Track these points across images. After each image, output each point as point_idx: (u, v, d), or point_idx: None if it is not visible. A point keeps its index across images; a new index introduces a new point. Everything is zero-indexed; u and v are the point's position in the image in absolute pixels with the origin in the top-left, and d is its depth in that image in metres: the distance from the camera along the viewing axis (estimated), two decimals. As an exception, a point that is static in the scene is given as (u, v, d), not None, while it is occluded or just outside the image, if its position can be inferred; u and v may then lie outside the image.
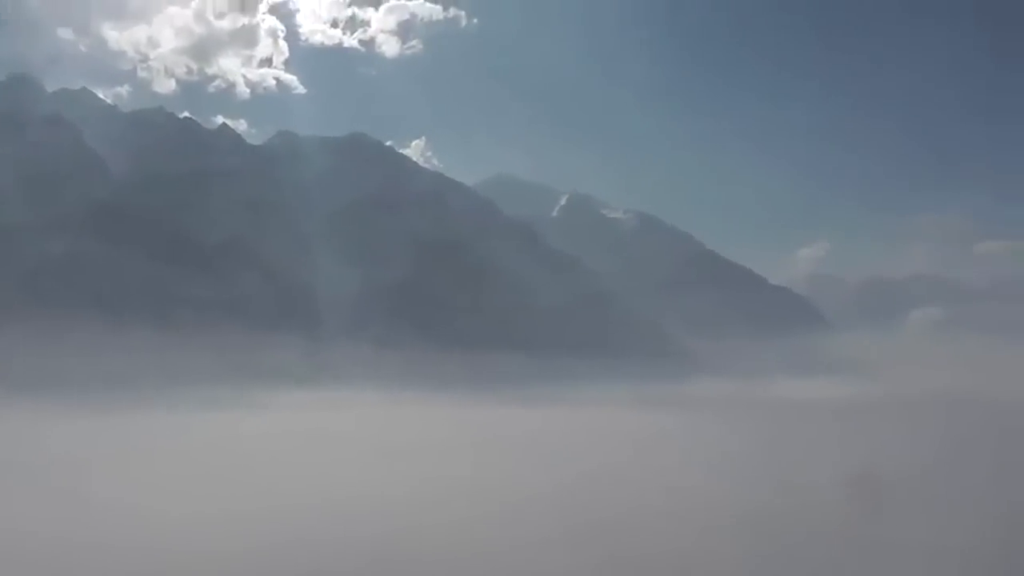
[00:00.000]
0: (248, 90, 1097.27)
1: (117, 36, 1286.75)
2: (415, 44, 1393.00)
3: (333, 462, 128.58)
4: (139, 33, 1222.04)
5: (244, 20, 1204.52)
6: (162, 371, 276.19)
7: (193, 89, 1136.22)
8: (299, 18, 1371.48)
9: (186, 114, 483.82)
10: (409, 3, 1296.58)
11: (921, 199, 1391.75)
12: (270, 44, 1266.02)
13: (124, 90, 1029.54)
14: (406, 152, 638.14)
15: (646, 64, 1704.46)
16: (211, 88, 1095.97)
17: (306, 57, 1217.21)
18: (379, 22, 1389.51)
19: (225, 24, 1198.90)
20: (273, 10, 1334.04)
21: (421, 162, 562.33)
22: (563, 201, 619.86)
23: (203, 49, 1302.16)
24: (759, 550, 79.66)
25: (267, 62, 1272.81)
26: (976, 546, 77.44)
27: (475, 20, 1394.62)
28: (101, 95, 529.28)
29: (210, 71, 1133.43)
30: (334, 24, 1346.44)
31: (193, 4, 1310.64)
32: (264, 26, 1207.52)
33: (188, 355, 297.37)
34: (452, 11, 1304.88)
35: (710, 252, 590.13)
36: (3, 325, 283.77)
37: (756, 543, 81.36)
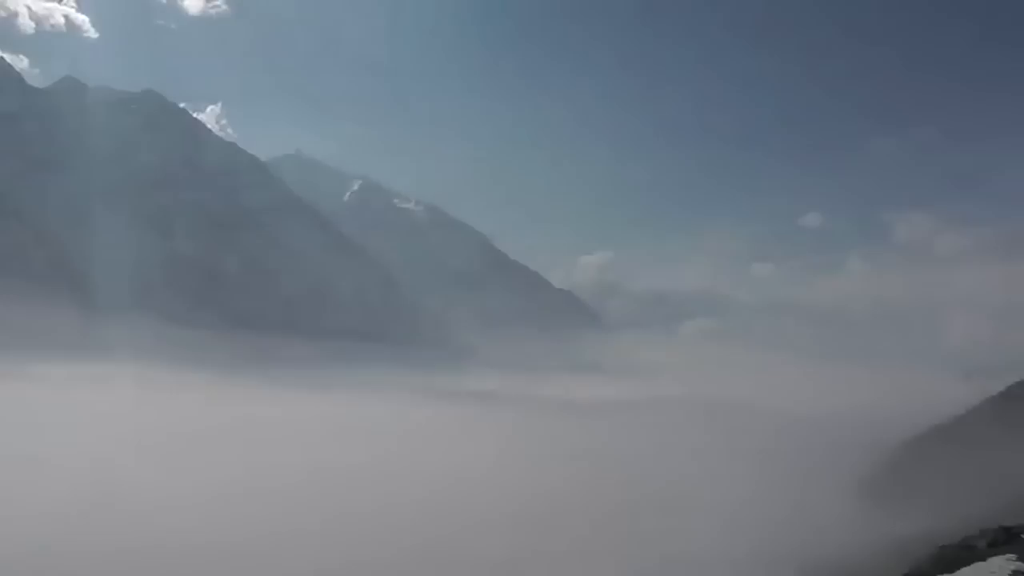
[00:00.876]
0: (32, 24, 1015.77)
1: None
2: (220, 4, 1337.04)
3: (91, 443, 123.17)
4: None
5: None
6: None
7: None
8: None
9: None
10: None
11: (706, 220, 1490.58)
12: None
13: None
14: (200, 117, 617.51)
15: (452, 57, 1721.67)
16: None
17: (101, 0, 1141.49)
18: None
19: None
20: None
21: (216, 130, 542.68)
22: (355, 187, 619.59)
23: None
24: (504, 544, 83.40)
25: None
26: (710, 540, 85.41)
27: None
28: None
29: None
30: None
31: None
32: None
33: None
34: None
35: (497, 250, 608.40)
36: None
37: (502, 538, 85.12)
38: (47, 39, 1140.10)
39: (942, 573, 31.57)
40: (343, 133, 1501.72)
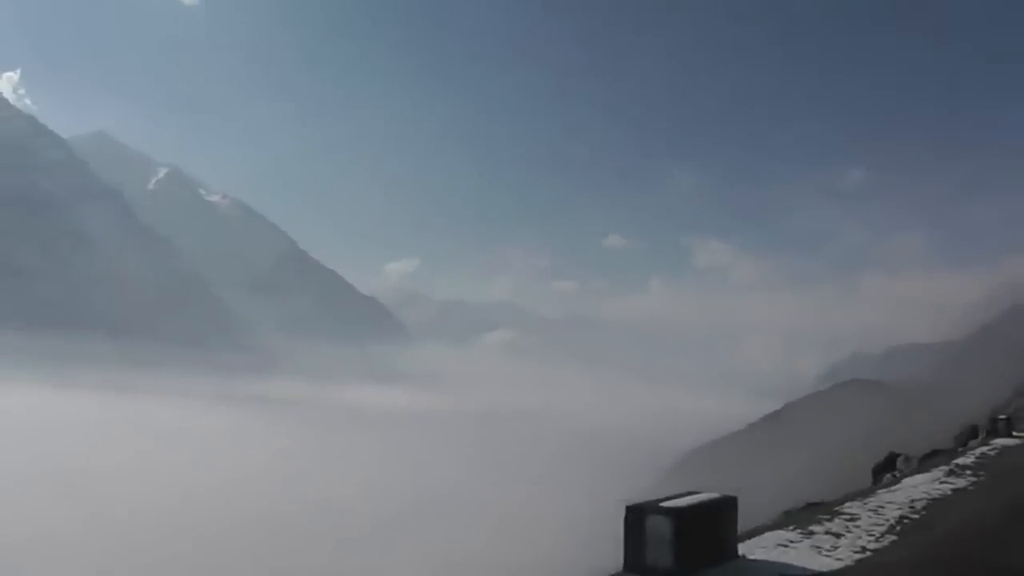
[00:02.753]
0: None
1: None
2: None
3: None
4: None
5: None
6: None
7: None
8: None
9: None
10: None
11: (511, 235, 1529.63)
12: None
13: None
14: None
15: (270, 53, 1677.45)
16: None
17: None
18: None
19: None
20: None
21: (12, 100, 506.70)
22: (162, 174, 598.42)
23: None
24: (255, 553, 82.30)
25: None
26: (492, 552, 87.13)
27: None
28: None
29: None
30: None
31: None
32: None
33: None
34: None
35: (303, 252, 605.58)
36: None
37: (261, 546, 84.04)
38: None
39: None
40: (153, 116, 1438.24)
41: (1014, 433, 23.13)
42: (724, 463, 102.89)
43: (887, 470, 19.95)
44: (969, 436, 25.13)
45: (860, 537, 9.02)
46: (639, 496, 7.73)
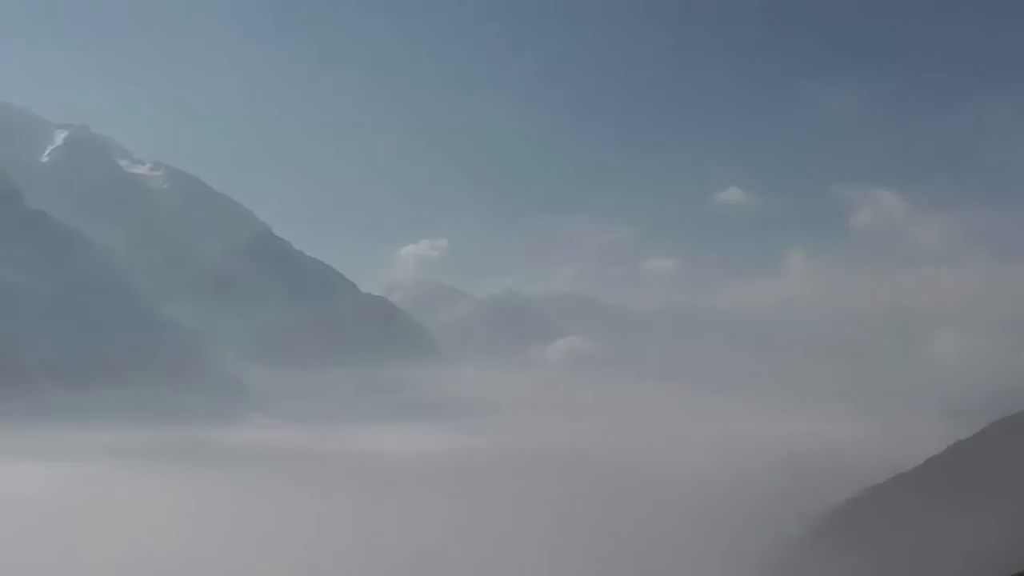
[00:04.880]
0: None
1: None
2: None
3: None
4: None
5: None
6: None
7: None
8: None
9: None
10: None
11: (577, 198, 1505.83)
12: None
13: None
14: None
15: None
16: None
17: None
18: None
19: None
20: None
21: None
22: (60, 140, 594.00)
23: None
24: None
25: None
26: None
27: None
28: None
29: None
30: None
31: None
32: None
33: None
34: None
35: (279, 241, 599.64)
36: None
37: None
38: None
39: None
40: (40, 58, 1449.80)
41: None
42: (893, 516, 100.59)
43: None
44: None
45: None
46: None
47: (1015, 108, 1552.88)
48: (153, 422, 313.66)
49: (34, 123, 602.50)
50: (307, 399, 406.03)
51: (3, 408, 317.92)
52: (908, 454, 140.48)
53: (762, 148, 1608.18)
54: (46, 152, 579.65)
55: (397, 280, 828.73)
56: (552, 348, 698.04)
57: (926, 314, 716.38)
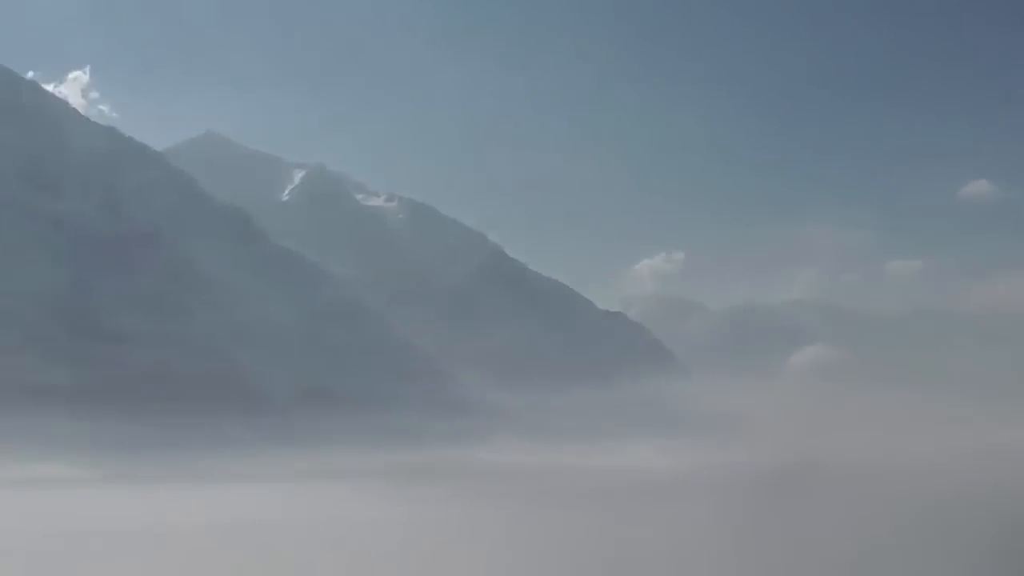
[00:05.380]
0: None
1: None
2: None
3: None
4: None
5: None
6: None
7: None
8: None
9: None
10: None
11: (814, 200, 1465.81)
12: None
13: None
14: (60, 92, 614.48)
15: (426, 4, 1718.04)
16: None
17: None
18: None
19: None
20: None
21: (83, 108, 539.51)
22: (297, 179, 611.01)
23: None
24: None
25: None
26: None
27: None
28: None
29: None
30: None
31: None
32: None
33: None
34: None
35: (513, 261, 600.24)
36: None
37: None
38: None
39: None
40: (275, 106, 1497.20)
41: None
42: None
43: None
44: None
45: None
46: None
47: None
48: (399, 445, 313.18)
49: (274, 165, 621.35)
50: (552, 418, 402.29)
51: (256, 434, 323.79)
52: None
53: (1011, 136, 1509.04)
54: (286, 192, 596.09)
55: (633, 295, 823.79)
56: (795, 358, 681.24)
57: None
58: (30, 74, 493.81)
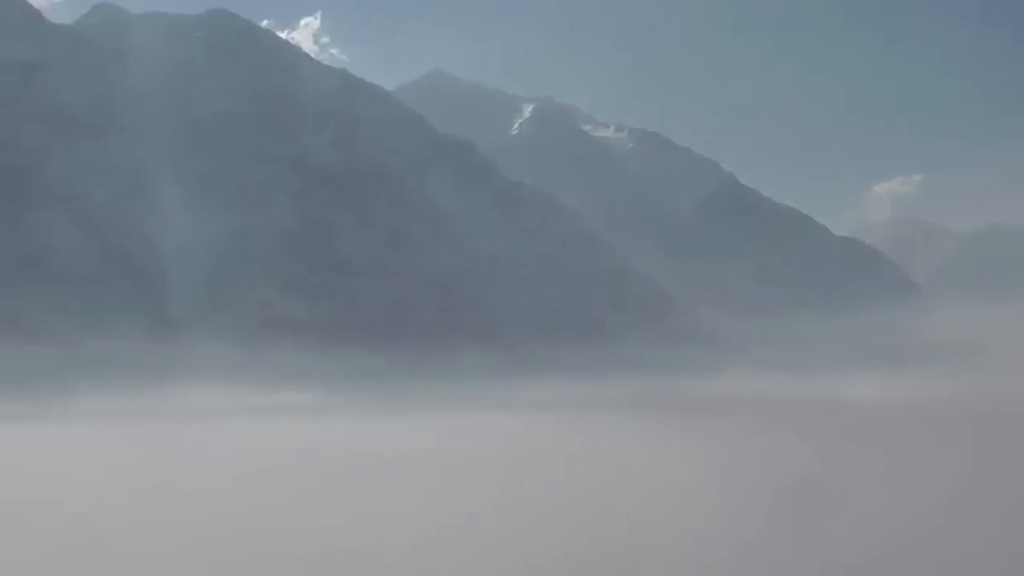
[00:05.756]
0: None
1: None
2: None
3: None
4: None
5: None
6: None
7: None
8: None
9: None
10: None
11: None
12: None
13: None
14: (292, 38, 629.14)
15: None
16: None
17: None
18: None
19: None
20: None
21: (316, 53, 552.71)
22: (527, 112, 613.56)
23: None
24: None
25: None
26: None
27: None
28: None
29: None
30: None
31: None
32: None
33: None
34: None
35: (745, 188, 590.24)
36: None
37: None
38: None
39: None
40: (503, 40, 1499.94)
41: None
42: None
43: None
44: None
45: None
46: None
47: None
48: (628, 375, 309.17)
49: (502, 100, 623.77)
50: (784, 347, 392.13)
51: (488, 364, 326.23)
52: None
53: None
54: (515, 126, 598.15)
55: (870, 220, 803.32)
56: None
57: None
58: (264, 22, 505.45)
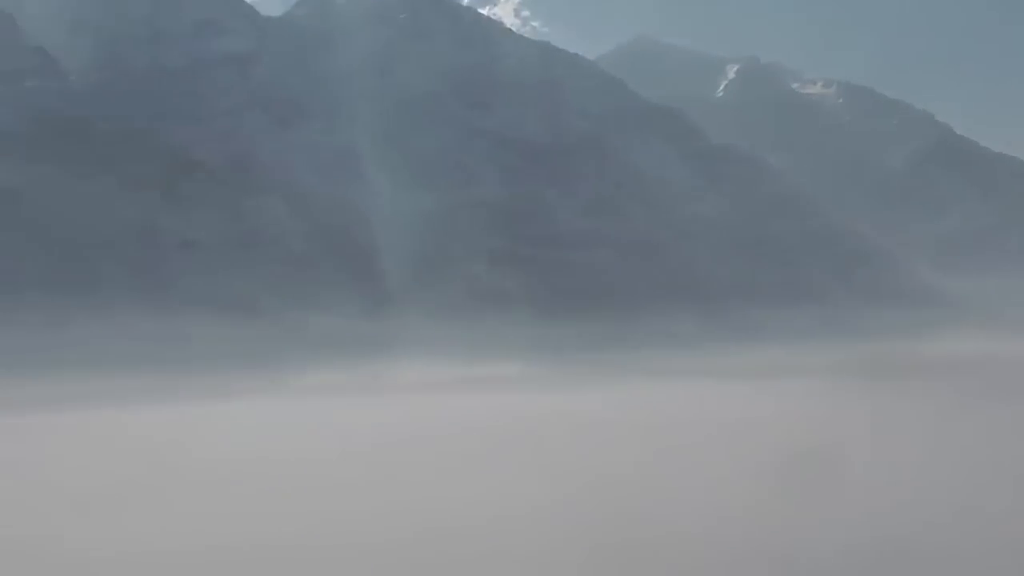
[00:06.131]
0: None
1: None
2: None
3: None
4: None
5: None
6: (160, 345, 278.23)
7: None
8: None
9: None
10: None
11: None
12: None
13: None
14: (494, 13, 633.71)
15: None
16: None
17: None
18: None
19: None
20: None
21: (517, 27, 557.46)
22: (732, 74, 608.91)
23: None
24: None
25: None
26: None
27: None
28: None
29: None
30: None
31: None
32: None
33: (191, 322, 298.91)
34: None
35: (963, 140, 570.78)
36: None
37: None
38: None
39: None
40: (704, 3, 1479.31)
41: None
42: None
43: None
44: None
45: None
46: None
47: None
48: (843, 338, 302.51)
49: (705, 62, 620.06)
50: (1008, 307, 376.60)
51: (700, 329, 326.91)
52: None
53: None
54: (720, 88, 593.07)
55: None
56: None
57: None
58: (465, 0, 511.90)
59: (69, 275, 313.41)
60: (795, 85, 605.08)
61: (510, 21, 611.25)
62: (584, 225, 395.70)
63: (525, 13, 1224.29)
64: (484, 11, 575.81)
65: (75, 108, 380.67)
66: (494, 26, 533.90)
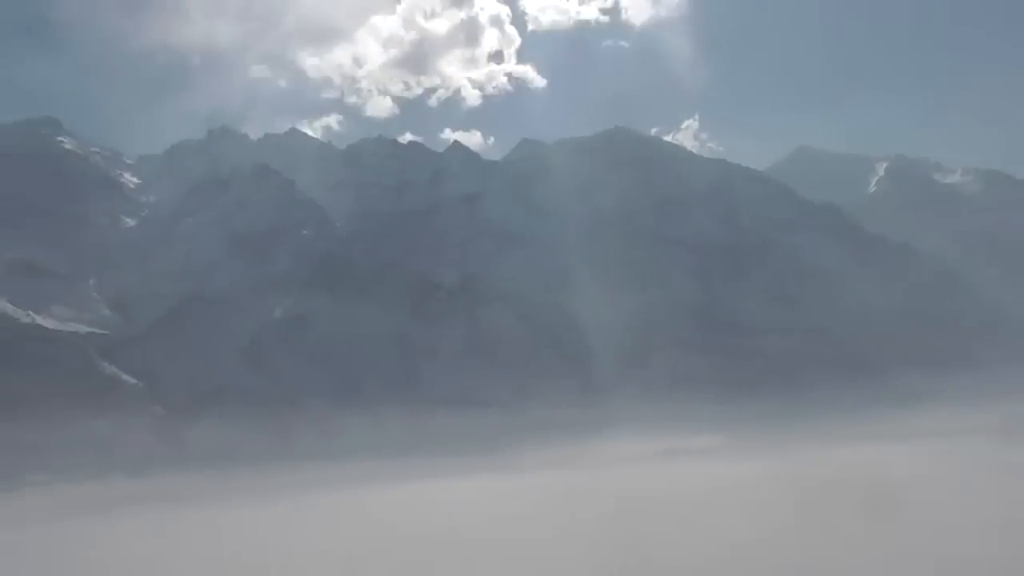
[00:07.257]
0: (477, 94, 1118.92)
1: (318, 62, 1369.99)
2: (669, 3, 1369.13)
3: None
4: (341, 54, 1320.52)
5: (461, 14, 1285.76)
6: (412, 435, 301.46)
7: (413, 106, 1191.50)
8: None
9: (409, 136, 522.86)
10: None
11: None
12: (495, 35, 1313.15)
13: (334, 121, 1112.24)
14: (676, 139, 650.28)
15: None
16: (433, 100, 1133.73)
17: (540, 42, 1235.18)
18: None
19: (440, 23, 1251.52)
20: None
21: (696, 148, 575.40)
22: (881, 171, 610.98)
23: (418, 57, 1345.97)
24: None
25: (495, 57, 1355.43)
26: None
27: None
28: (310, 132, 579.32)
29: (430, 82, 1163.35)
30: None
31: (399, 8, 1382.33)
32: (485, 15, 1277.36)
33: (436, 415, 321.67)
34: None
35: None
36: (226, 402, 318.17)
37: None
38: (495, 105, 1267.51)
39: None
40: (854, 108, 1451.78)
41: None
42: None
43: None
44: None
45: None
46: None
47: None
48: (999, 402, 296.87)
49: (859, 163, 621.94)
50: None
51: (867, 398, 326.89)
52: None
53: None
54: (872, 184, 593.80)
55: None
56: None
57: None
58: (653, 130, 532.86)
59: (340, 381, 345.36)
60: (937, 175, 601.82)
61: (690, 144, 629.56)
62: (763, 314, 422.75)
63: (703, 135, 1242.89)
64: (668, 138, 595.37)
65: (340, 249, 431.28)
66: (678, 150, 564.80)
